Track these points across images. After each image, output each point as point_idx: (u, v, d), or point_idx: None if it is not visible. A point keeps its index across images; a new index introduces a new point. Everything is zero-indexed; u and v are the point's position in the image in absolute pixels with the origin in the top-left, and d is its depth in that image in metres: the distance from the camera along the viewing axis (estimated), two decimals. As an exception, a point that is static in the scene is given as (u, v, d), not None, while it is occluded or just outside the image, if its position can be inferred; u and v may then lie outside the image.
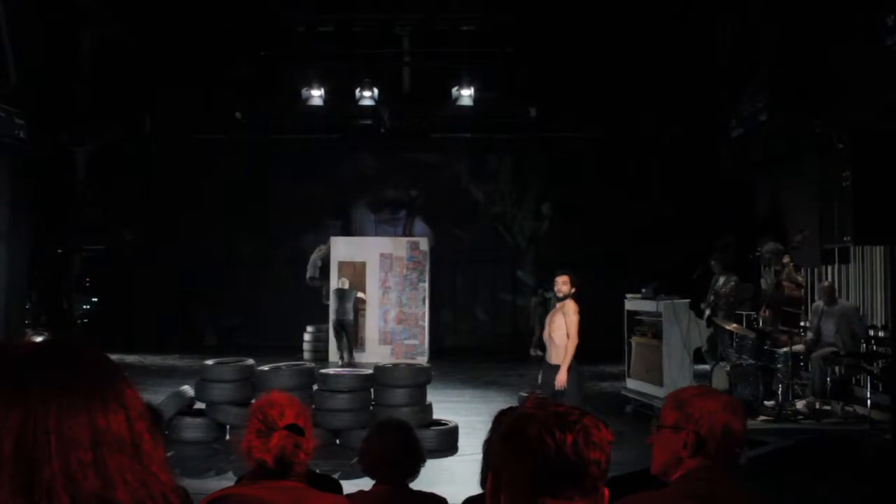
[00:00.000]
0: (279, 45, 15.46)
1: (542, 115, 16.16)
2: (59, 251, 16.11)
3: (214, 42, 15.14)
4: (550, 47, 15.15)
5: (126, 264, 16.85)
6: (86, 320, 16.24)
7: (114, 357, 0.87)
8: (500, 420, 2.83)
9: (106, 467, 0.74)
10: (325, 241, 16.03)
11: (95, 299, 16.59)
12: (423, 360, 14.59)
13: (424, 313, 15.77)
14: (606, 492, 1.56)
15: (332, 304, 14.45)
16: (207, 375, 8.89)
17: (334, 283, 15.39)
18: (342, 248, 15.85)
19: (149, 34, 14.87)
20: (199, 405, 8.94)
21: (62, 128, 15.49)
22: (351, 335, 14.41)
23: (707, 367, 10.73)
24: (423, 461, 3.20)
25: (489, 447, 2.87)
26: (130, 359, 14.65)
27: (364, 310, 15.44)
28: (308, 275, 15.96)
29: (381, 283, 15.52)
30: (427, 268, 15.89)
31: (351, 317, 14.43)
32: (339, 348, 14.35)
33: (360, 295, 14.94)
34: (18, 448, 0.71)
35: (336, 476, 3.67)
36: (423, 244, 16.03)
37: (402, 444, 3.10)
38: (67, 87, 15.05)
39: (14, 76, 13.99)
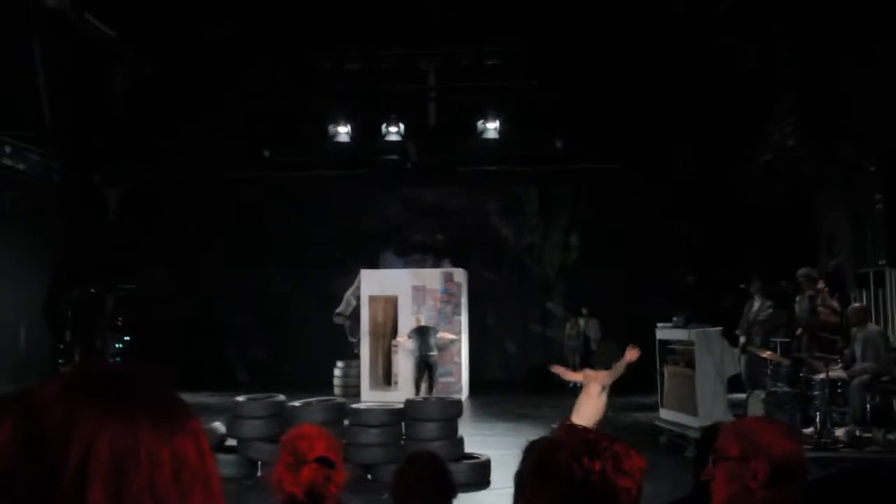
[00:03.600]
0: (306, 82, 15.68)
1: (568, 146, 16.18)
2: (92, 290, 16.33)
3: (242, 80, 15.41)
4: (575, 79, 15.21)
5: (157, 303, 17.02)
6: (119, 359, 16.40)
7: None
8: (531, 450, 2.81)
9: (186, 489, 0.78)
10: (356, 276, 15.70)
11: (128, 338, 16.76)
12: (462, 397, 13.76)
13: (460, 349, 15.08)
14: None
15: (414, 342, 14.06)
16: (239, 412, 8.91)
17: (365, 318, 15.04)
18: (373, 282, 15.35)
19: (178, 75, 15.17)
20: (231, 442, 8.95)
21: (94, 169, 15.81)
22: (434, 373, 14.00)
23: (742, 395, 10.56)
24: (455, 493, 3.17)
25: (521, 479, 2.84)
26: (163, 396, 14.72)
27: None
28: (337, 310, 15.73)
29: (414, 318, 14.76)
30: (462, 300, 15.26)
31: (435, 352, 14.00)
32: (418, 385, 13.86)
33: (447, 335, 14.47)
34: (112, 458, 0.76)
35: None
36: (458, 275, 15.44)
37: (434, 476, 3.08)
38: (99, 128, 15.38)
39: (49, 120, 14.36)
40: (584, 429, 1.62)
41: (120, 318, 16.78)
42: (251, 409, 8.88)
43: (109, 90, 15.91)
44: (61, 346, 15.41)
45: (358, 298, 15.45)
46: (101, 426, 0.76)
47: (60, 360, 15.41)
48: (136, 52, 14.79)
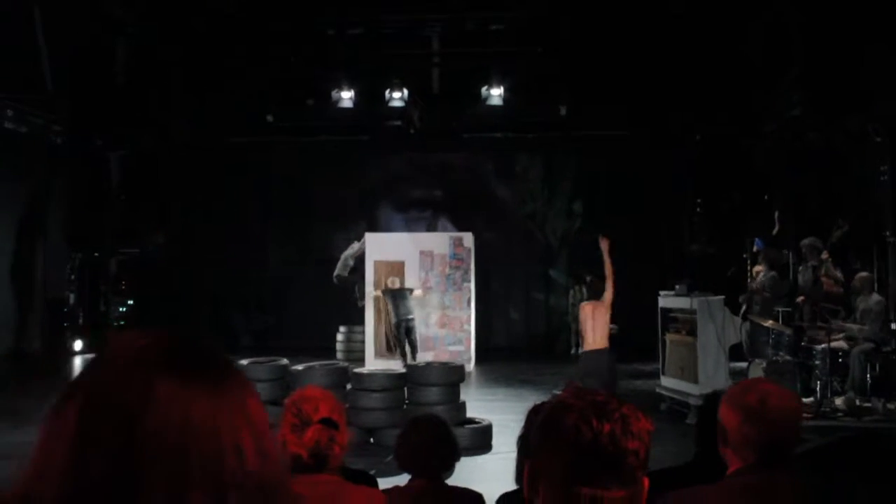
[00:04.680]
0: (309, 48, 15.53)
1: (573, 113, 16.07)
2: (96, 254, 16.36)
3: (245, 47, 15.27)
4: (580, 45, 15.06)
5: (160, 267, 17.05)
6: (123, 322, 16.46)
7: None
8: (535, 414, 2.81)
9: (269, 452, 0.80)
10: (359, 239, 15.29)
11: (131, 301, 16.82)
12: (469, 367, 13.39)
13: (469, 316, 14.73)
14: (646, 482, 1.54)
15: (390, 306, 13.51)
16: (242, 375, 8.95)
17: (370, 282, 14.66)
18: (378, 246, 14.85)
19: (180, 39, 15.03)
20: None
21: (97, 133, 15.75)
22: (414, 337, 13.43)
23: (743, 364, 10.60)
24: (458, 456, 3.19)
25: (524, 442, 2.85)
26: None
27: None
28: (335, 272, 15.51)
29: (421, 284, 14.29)
30: (472, 266, 14.85)
31: (413, 316, 13.42)
32: (403, 351, 13.28)
33: (416, 292, 13.83)
34: (198, 431, 0.75)
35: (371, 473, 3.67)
36: (467, 240, 14.94)
37: (437, 438, 3.10)
38: (101, 93, 15.29)
39: (50, 84, 14.27)
40: (592, 390, 1.61)
41: (123, 282, 16.83)
42: (254, 372, 8.92)
43: (112, 53, 15.78)
44: (65, 310, 15.48)
45: (356, 259, 15.08)
46: (184, 398, 0.74)
47: (65, 324, 15.48)
48: (138, 15, 14.64)
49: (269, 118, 16.41)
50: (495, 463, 7.38)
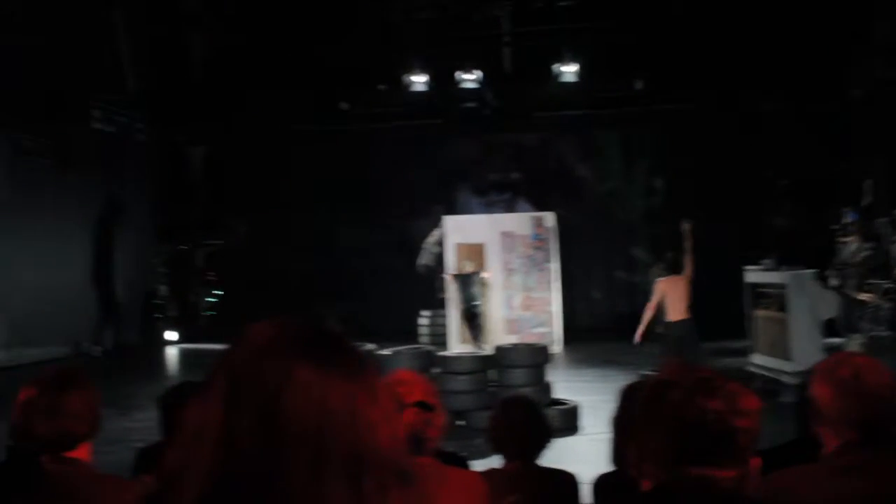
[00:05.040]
0: (379, 34, 15.60)
1: (649, 87, 15.71)
2: (183, 247, 16.86)
3: (315, 35, 15.43)
4: (652, 17, 14.68)
5: (244, 257, 17.43)
6: (212, 312, 16.94)
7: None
8: (629, 394, 2.76)
9: (399, 436, 0.83)
10: (437, 225, 15.16)
11: (220, 292, 17.25)
12: (555, 349, 13.22)
13: (553, 298, 14.50)
14: (758, 462, 1.48)
15: (458, 291, 13.40)
16: (329, 361, 9.09)
17: (451, 268, 14.44)
18: (459, 229, 14.65)
19: (253, 32, 15.30)
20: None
21: (178, 129, 16.21)
22: (479, 323, 13.19)
23: (839, 340, 10.23)
24: (550, 436, 3.17)
25: (620, 423, 2.80)
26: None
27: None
28: (422, 261, 15.23)
29: (503, 266, 14.12)
30: (555, 246, 14.62)
31: (479, 302, 13.20)
32: (476, 338, 13.08)
33: (483, 275, 13.62)
34: (334, 415, 0.77)
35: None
36: (549, 220, 14.70)
37: (530, 419, 3.08)
38: (180, 90, 15.71)
39: (132, 83, 14.77)
40: (696, 366, 1.56)
41: (211, 273, 17.29)
42: (341, 358, 9.03)
43: (188, 49, 16.19)
44: (157, 302, 16.02)
45: (439, 245, 15.07)
46: (321, 383, 0.76)
47: (157, 315, 16.03)
48: (212, 13, 14.98)
49: (344, 106, 16.56)
50: (584, 444, 7.34)
